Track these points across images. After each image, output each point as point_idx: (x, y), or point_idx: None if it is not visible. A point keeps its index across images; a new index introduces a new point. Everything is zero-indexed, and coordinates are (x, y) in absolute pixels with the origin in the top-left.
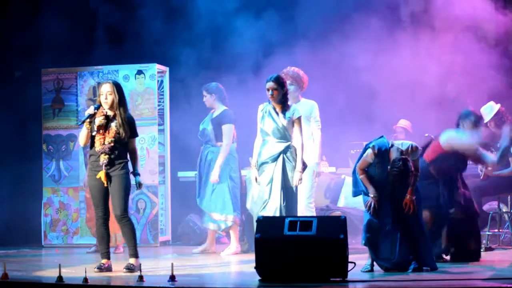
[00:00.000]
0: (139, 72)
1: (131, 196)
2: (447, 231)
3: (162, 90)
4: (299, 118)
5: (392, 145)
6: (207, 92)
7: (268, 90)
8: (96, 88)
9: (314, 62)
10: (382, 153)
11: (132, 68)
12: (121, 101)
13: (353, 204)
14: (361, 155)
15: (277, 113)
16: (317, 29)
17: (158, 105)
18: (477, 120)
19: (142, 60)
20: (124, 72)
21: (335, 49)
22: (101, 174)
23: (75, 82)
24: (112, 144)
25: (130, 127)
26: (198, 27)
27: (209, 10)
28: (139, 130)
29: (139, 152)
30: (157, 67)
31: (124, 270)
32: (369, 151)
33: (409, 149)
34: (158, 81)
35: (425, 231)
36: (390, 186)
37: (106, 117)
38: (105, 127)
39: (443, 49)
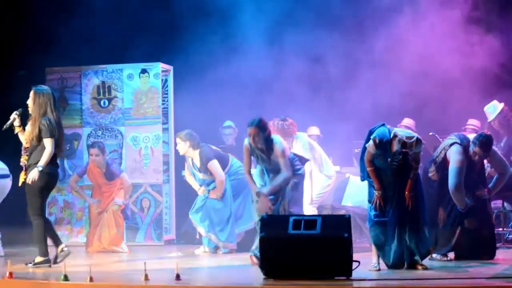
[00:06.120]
0: (143, 71)
1: (135, 195)
2: (461, 229)
3: (166, 89)
4: (282, 151)
5: (395, 136)
6: (181, 139)
7: (249, 135)
8: (100, 87)
9: (319, 63)
10: (383, 144)
11: (136, 67)
12: (35, 105)
13: (358, 203)
14: (366, 142)
15: (264, 153)
16: (326, 29)
17: (162, 104)
18: (488, 147)
19: (147, 59)
20: (128, 71)
21: (340, 49)
22: (21, 175)
23: (79, 81)
24: (26, 146)
25: (39, 130)
26: (202, 26)
27: (214, 9)
28: (143, 128)
29: (143, 151)
30: (161, 66)
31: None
32: (371, 143)
33: (413, 142)
34: (162, 80)
35: (425, 225)
36: (391, 178)
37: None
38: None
39: (446, 47)
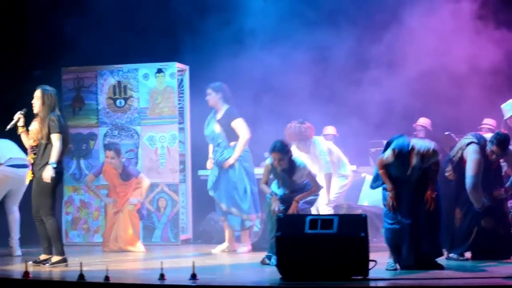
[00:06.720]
0: (159, 70)
1: (152, 194)
2: (478, 229)
3: (182, 88)
4: (309, 172)
5: (413, 148)
6: (213, 90)
7: (274, 159)
8: (116, 87)
9: (335, 61)
10: (402, 156)
11: (152, 66)
12: (44, 104)
13: (374, 203)
14: (383, 152)
15: (287, 173)
16: (343, 30)
17: (178, 104)
18: (505, 146)
19: (162, 59)
20: (144, 70)
21: (354, 48)
22: (28, 174)
23: (95, 81)
24: (33, 145)
25: (49, 127)
26: (218, 25)
27: (231, 8)
28: (159, 128)
29: (159, 151)
30: (177, 65)
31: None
32: (390, 152)
33: (429, 152)
34: (178, 79)
35: (441, 225)
36: (409, 186)
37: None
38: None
39: (458, 45)
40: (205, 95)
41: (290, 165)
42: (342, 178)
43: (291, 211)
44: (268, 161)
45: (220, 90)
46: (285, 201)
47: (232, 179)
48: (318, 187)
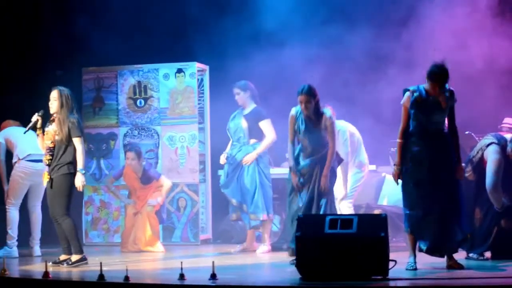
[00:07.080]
0: (179, 70)
1: (172, 194)
2: (497, 229)
3: (202, 88)
4: (332, 123)
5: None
6: (241, 89)
7: (301, 102)
8: (136, 87)
9: (354, 61)
10: (417, 95)
11: (172, 66)
12: (62, 105)
13: (394, 202)
14: None
15: (311, 122)
16: (358, 28)
17: (198, 104)
18: None
19: (182, 59)
20: (164, 70)
21: (375, 46)
22: (44, 176)
23: (115, 81)
24: (50, 146)
25: (69, 129)
26: (238, 25)
27: (250, 7)
28: (179, 128)
29: (179, 151)
30: (197, 65)
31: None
32: (406, 94)
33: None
34: (198, 79)
35: (463, 209)
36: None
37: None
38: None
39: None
40: (225, 95)
41: (315, 113)
42: (357, 170)
43: (322, 185)
44: (293, 111)
45: (247, 89)
46: (304, 173)
47: (243, 178)
48: (334, 145)
